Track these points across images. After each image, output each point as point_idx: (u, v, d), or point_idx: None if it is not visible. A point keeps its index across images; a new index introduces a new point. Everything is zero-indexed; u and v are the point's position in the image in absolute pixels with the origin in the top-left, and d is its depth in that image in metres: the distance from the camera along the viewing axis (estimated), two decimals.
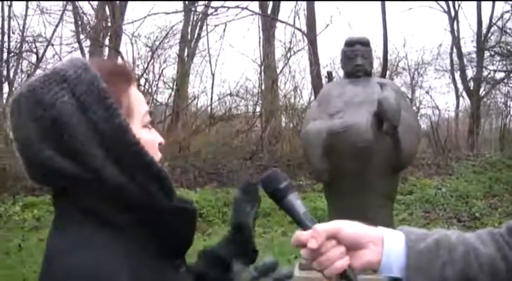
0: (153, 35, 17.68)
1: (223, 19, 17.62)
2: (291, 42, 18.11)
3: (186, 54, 18.01)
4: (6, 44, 16.78)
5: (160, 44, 17.52)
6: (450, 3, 20.04)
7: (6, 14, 16.85)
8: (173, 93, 17.81)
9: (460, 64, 19.92)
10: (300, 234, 1.14)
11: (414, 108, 17.81)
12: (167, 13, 16.83)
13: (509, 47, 19.11)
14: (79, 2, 17.44)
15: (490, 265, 1.13)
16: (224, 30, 19.84)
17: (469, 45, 20.32)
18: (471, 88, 19.65)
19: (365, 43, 5.37)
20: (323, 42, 31.79)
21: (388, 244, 1.14)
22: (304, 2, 17.35)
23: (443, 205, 11.48)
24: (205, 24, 18.40)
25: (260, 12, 18.22)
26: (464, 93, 20.57)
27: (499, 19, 19.40)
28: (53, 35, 17.01)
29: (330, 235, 1.12)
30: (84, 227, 1.15)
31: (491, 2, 19.21)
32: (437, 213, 11.02)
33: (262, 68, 17.99)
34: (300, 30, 17.48)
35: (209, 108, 17.98)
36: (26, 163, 1.19)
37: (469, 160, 15.31)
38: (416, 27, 37.12)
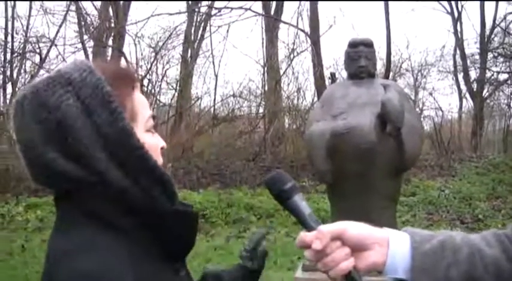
0: (157, 36, 17.73)
1: (226, 20, 17.71)
2: (294, 43, 18.11)
3: (189, 55, 18.01)
4: (9, 45, 16.84)
5: (163, 44, 17.55)
6: (453, 4, 20.05)
7: (9, 14, 16.92)
8: (176, 94, 17.80)
9: (463, 65, 19.91)
10: (304, 235, 1.13)
11: (417, 109, 17.79)
12: (170, 14, 16.89)
13: None
14: (82, 2, 17.48)
15: (495, 266, 1.13)
16: (227, 31, 20.01)
17: (472, 47, 20.27)
18: (474, 89, 19.64)
19: (368, 44, 5.36)
20: (326, 43, 31.86)
21: (393, 245, 1.14)
22: (308, 3, 17.36)
23: (446, 206, 11.47)
24: (208, 25, 18.44)
25: (263, 13, 18.23)
26: (467, 95, 20.57)
27: (502, 20, 19.43)
28: (56, 35, 17.07)
29: (335, 236, 1.12)
30: (87, 229, 1.15)
31: (494, 4, 19.21)
32: (440, 215, 11.01)
33: (266, 69, 17.99)
34: (303, 31, 17.48)
35: (212, 109, 18.01)
36: (29, 165, 1.19)
37: (472, 162, 15.30)
38: (420, 28, 37.18)
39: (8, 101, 15.25)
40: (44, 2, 18.09)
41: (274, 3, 18.93)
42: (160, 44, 17.49)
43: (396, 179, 5.20)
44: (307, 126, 5.72)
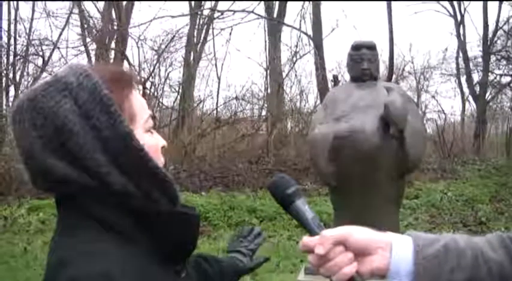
0: (159, 39, 17.77)
1: (229, 23, 17.79)
2: (297, 46, 18.17)
3: (192, 57, 18.04)
4: (12, 47, 16.85)
5: (166, 47, 17.58)
6: (456, 6, 20.05)
7: (12, 17, 16.94)
8: (179, 97, 17.83)
9: (466, 68, 19.92)
10: (307, 240, 1.13)
11: (420, 112, 17.77)
12: (173, 17, 16.91)
13: None
14: (85, 5, 17.52)
15: (499, 269, 1.12)
16: (230, 33, 20.00)
17: (475, 50, 20.38)
18: (477, 92, 19.65)
19: (371, 47, 5.36)
20: (329, 46, 31.84)
21: (396, 249, 1.13)
22: (310, 6, 17.37)
23: (449, 209, 11.45)
24: (211, 27, 18.48)
25: (266, 16, 18.25)
26: (470, 98, 20.60)
27: (505, 23, 19.43)
28: (59, 38, 17.11)
29: (338, 241, 1.12)
30: (89, 233, 1.15)
31: (497, 6, 19.21)
32: (443, 217, 10.98)
33: (268, 71, 18.01)
34: (306, 34, 17.51)
35: (215, 112, 18.01)
36: (29, 171, 1.19)
37: (475, 165, 15.30)
38: (422, 31, 37.16)
39: (10, 104, 15.26)
40: (47, 5, 18.13)
41: (277, 6, 18.95)
42: (163, 46, 17.56)
43: (399, 182, 5.19)
44: (310, 129, 5.72)
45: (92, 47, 17.54)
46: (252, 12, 16.98)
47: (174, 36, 17.77)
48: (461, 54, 20.09)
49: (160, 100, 17.64)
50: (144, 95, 14.70)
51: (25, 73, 17.15)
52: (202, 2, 18.58)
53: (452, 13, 20.29)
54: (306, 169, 13.15)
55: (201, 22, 18.43)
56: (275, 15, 18.81)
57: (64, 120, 1.12)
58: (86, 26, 17.62)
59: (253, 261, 1.75)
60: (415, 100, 19.22)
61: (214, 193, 12.33)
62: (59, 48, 17.24)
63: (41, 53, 17.29)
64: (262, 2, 18.04)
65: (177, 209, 1.25)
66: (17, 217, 10.89)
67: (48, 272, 1.15)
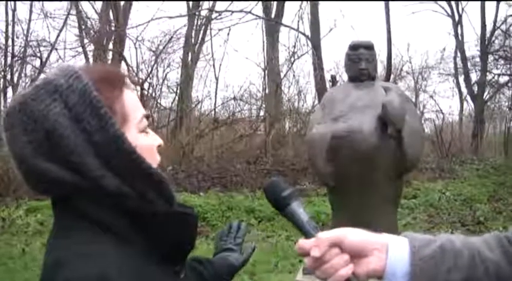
0: (157, 39, 17.78)
1: (227, 23, 17.80)
2: (294, 46, 18.15)
3: (190, 58, 18.02)
4: (10, 49, 16.80)
5: (164, 48, 17.59)
6: (454, 6, 20.05)
7: (10, 18, 16.89)
8: (177, 98, 17.83)
9: (464, 68, 19.93)
10: (303, 242, 1.13)
11: (418, 112, 17.78)
12: (171, 17, 16.89)
13: None
14: (83, 6, 17.50)
15: (496, 269, 1.12)
16: (228, 34, 20.05)
17: (473, 49, 20.25)
18: (475, 92, 19.65)
19: (369, 47, 5.36)
20: (327, 46, 31.88)
21: (392, 251, 1.13)
22: (308, 6, 17.36)
23: (447, 209, 11.46)
24: (209, 28, 18.47)
25: (264, 16, 18.24)
26: (468, 97, 20.58)
27: (503, 23, 19.41)
28: (56, 39, 17.09)
29: (333, 243, 1.11)
30: (84, 234, 1.14)
31: (495, 6, 19.21)
32: (441, 217, 10.98)
33: (266, 72, 18.01)
34: (303, 34, 17.51)
35: (213, 113, 18.00)
36: (23, 175, 1.19)
37: (473, 164, 15.31)
38: (420, 31, 37.20)
39: (8, 105, 15.23)
40: (45, 6, 18.09)
41: (274, 7, 18.95)
42: (161, 47, 17.57)
43: (397, 182, 5.19)
44: (308, 129, 5.71)
45: (90, 48, 17.53)
46: (250, 12, 16.99)
47: (172, 37, 17.80)
48: (459, 54, 20.10)
49: (158, 101, 17.67)
50: (142, 95, 14.69)
51: (23, 74, 17.14)
52: (200, 2, 18.61)
53: (450, 13, 20.29)
54: (304, 169, 13.13)
55: (198, 23, 18.42)
56: (273, 15, 18.80)
57: (54, 124, 1.11)
58: (83, 27, 17.60)
59: (244, 254, 1.75)
60: (413, 100, 19.20)
61: (213, 194, 12.32)
62: (56, 49, 17.24)
63: (38, 54, 17.30)
64: (260, 3, 18.04)
65: (174, 209, 1.24)
66: (15, 218, 10.87)
67: (45, 273, 1.15)
